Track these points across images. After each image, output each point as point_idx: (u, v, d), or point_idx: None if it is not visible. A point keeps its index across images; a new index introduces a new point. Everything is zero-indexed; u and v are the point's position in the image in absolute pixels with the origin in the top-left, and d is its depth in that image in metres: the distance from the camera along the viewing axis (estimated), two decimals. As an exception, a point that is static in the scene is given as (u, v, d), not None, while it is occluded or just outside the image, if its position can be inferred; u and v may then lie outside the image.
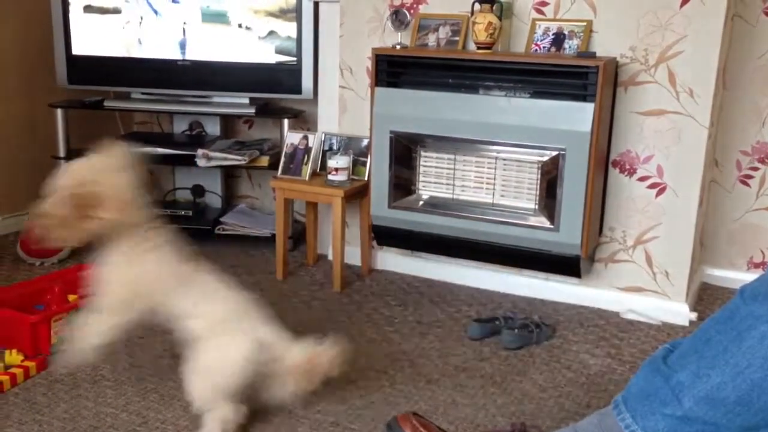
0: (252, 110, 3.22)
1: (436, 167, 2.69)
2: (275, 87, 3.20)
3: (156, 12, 3.18)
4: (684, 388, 1.31)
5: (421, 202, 2.72)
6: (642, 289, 2.65)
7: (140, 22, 3.20)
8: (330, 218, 2.94)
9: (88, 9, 3.20)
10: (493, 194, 2.62)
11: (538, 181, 2.53)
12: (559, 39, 2.56)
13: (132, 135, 3.64)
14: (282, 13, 3.11)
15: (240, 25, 3.14)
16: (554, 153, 2.45)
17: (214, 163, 3.17)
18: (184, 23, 3.17)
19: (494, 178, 2.61)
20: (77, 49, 3.25)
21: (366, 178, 2.85)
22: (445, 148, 2.64)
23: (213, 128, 3.55)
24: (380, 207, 2.75)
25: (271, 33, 3.14)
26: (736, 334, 1.27)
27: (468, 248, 2.69)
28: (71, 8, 3.20)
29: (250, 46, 3.16)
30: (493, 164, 2.60)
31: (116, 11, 3.19)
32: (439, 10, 2.75)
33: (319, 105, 3.10)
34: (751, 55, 2.75)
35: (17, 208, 3.40)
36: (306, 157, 2.88)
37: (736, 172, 2.87)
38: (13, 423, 1.87)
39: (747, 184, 2.87)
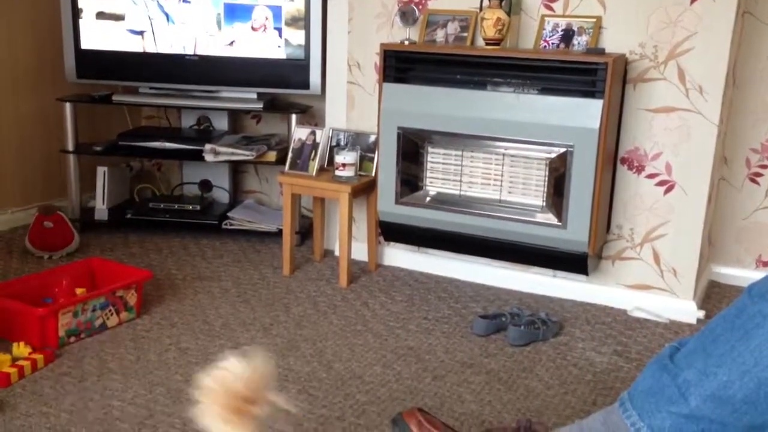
0: (260, 105, 3.23)
1: (443, 163, 2.69)
2: (283, 82, 3.20)
3: (167, 15, 3.18)
4: (690, 386, 1.30)
5: (428, 199, 2.72)
6: (649, 286, 2.64)
7: (150, 25, 3.20)
8: (337, 214, 2.94)
9: (100, 15, 3.21)
10: (501, 191, 2.62)
11: (546, 178, 2.52)
12: (568, 35, 2.55)
13: (139, 129, 3.66)
14: (290, 10, 3.11)
15: (252, 26, 3.14)
16: (562, 150, 2.44)
17: (221, 158, 3.18)
18: (195, 23, 3.18)
19: (502, 175, 2.60)
20: (86, 44, 3.26)
21: (373, 174, 2.84)
22: (453, 144, 2.64)
23: (221, 123, 3.55)
24: (387, 203, 2.75)
25: (279, 29, 3.14)
26: (744, 332, 1.27)
27: (475, 245, 2.68)
28: (81, 7, 3.21)
29: (258, 41, 3.16)
30: (500, 161, 2.59)
31: (124, 18, 3.20)
32: (447, 6, 2.74)
33: (327, 100, 3.10)
34: (762, 52, 2.73)
35: (26, 202, 3.41)
36: (313, 152, 2.88)
37: (746, 169, 2.86)
38: (21, 415, 1.88)
39: (756, 182, 2.85)
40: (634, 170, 2.58)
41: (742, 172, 2.86)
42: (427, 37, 2.75)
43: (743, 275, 2.89)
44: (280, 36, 3.14)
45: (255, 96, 3.26)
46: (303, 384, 2.07)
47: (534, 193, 2.56)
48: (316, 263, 3.05)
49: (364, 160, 2.87)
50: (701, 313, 2.58)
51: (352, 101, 3.00)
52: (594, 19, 2.52)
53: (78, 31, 3.24)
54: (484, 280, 2.87)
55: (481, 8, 2.59)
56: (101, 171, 3.35)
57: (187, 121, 3.60)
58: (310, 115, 3.41)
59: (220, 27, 3.18)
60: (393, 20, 2.84)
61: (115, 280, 2.45)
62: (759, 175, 2.84)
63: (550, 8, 2.60)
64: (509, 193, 2.61)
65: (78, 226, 3.19)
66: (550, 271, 2.76)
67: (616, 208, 2.63)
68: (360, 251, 3.03)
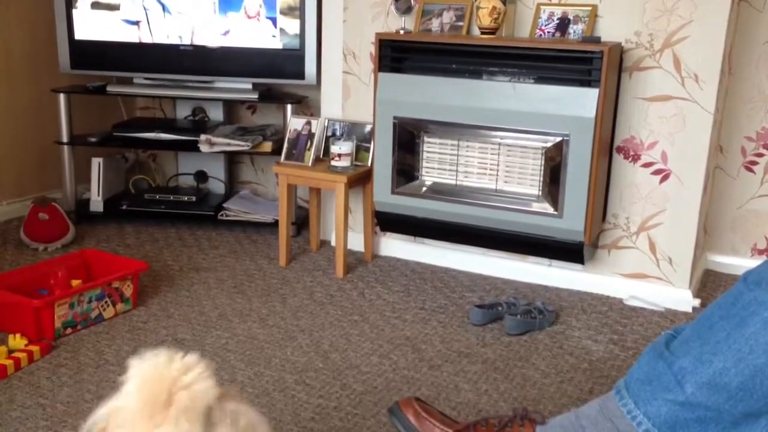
0: (255, 95, 3.22)
1: (439, 153, 2.69)
2: (278, 72, 3.19)
3: (163, 5, 3.16)
4: (686, 374, 1.31)
5: (424, 188, 2.72)
6: (645, 275, 2.64)
7: (146, 15, 3.18)
8: (333, 204, 2.94)
9: (95, 5, 3.20)
10: (497, 180, 2.62)
11: (542, 167, 2.52)
12: (563, 24, 2.54)
13: (134, 120, 3.65)
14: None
15: (246, 12, 3.13)
16: (558, 139, 2.44)
17: (217, 148, 3.17)
18: (189, 13, 3.16)
19: (498, 164, 2.60)
20: (80, 34, 3.24)
21: (369, 164, 2.84)
22: (449, 133, 2.63)
23: (216, 114, 3.54)
24: (383, 193, 2.75)
25: (274, 18, 3.12)
26: (739, 319, 1.27)
27: (471, 234, 2.68)
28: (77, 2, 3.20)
29: (253, 31, 3.14)
30: (496, 150, 2.59)
31: (119, 8, 3.19)
32: (443, -5, 2.74)
33: (323, 90, 3.09)
34: (757, 40, 2.73)
35: (21, 193, 3.40)
36: (309, 142, 2.87)
37: (741, 158, 2.86)
38: (17, 407, 1.88)
39: (752, 171, 2.85)
40: (630, 159, 2.58)
41: (737, 161, 2.86)
42: (422, 27, 2.74)
43: (739, 264, 2.90)
44: (275, 25, 3.13)
45: (250, 86, 3.25)
46: (300, 374, 2.07)
47: (530, 183, 2.56)
48: (313, 254, 3.05)
49: (360, 150, 2.86)
50: (697, 302, 2.59)
51: (347, 91, 2.99)
52: (589, 8, 2.51)
53: (72, 22, 3.23)
54: (480, 269, 2.87)
55: (476, -3, 2.58)
56: (96, 162, 3.34)
57: (182, 112, 3.59)
58: (306, 105, 3.40)
59: (215, 17, 3.16)
60: (388, 9, 2.83)
61: (111, 271, 2.44)
62: (754, 163, 2.84)
63: (546, -3, 2.59)
64: (505, 182, 2.61)
65: (73, 218, 3.18)
66: (546, 261, 2.76)
67: (612, 197, 2.63)
68: (356, 241, 3.03)
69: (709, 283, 2.83)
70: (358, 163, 2.85)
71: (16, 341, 2.12)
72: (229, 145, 3.16)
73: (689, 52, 2.42)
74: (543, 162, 2.51)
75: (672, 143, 2.51)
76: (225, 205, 3.35)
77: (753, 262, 2.84)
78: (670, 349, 1.37)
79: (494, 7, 2.49)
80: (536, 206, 2.53)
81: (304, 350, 2.22)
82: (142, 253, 2.99)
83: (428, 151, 2.70)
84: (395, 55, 2.65)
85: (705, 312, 1.37)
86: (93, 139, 3.27)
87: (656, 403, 1.34)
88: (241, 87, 3.26)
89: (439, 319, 2.46)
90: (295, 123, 2.94)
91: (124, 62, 3.28)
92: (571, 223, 2.47)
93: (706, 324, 1.33)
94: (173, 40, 3.21)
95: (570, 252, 2.55)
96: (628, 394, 1.40)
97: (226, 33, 3.17)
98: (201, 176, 3.56)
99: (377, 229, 2.97)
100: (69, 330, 2.26)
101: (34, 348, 2.11)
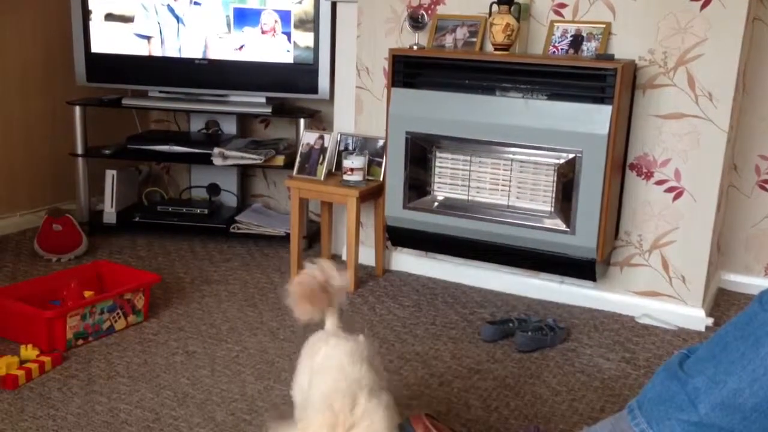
0: (268, 109, 3.23)
1: (451, 168, 2.69)
2: (292, 87, 3.21)
3: (178, 18, 3.19)
4: (700, 394, 1.30)
5: (436, 204, 2.72)
6: (658, 293, 2.63)
7: (160, 29, 3.21)
8: (344, 218, 2.94)
9: (109, 17, 3.23)
10: (509, 196, 2.62)
11: (554, 184, 2.51)
12: (577, 41, 2.55)
13: (148, 133, 3.67)
14: (299, 14, 3.12)
15: (261, 27, 3.15)
16: (571, 155, 2.44)
17: (230, 162, 3.18)
18: (204, 27, 3.19)
19: (510, 180, 2.60)
20: (96, 47, 3.27)
21: (381, 179, 2.85)
22: (461, 149, 2.64)
23: (229, 127, 3.56)
24: (395, 208, 2.75)
25: (288, 33, 3.14)
26: (754, 340, 1.26)
27: (483, 250, 2.68)
28: (91, 11, 3.23)
29: (268, 45, 3.17)
30: (508, 166, 2.59)
31: (134, 20, 3.21)
32: (456, 11, 2.75)
33: (336, 105, 3.10)
34: (772, 59, 2.72)
35: (35, 204, 3.42)
36: (321, 156, 2.88)
37: (755, 176, 2.84)
38: (28, 417, 1.88)
39: (765, 189, 2.84)
40: (643, 176, 2.58)
41: (751, 179, 2.85)
42: (435, 42, 2.75)
43: (752, 283, 2.88)
44: (289, 40, 3.15)
45: (264, 100, 3.27)
46: (310, 388, 2.06)
47: (542, 199, 2.56)
48: (324, 268, 3.04)
49: (372, 165, 2.87)
50: (710, 321, 2.57)
51: (360, 106, 3.00)
52: (603, 25, 2.52)
53: (89, 35, 3.26)
54: (491, 285, 2.86)
55: (490, 14, 2.59)
56: (110, 174, 3.36)
57: (196, 125, 3.61)
58: (319, 120, 3.41)
59: (229, 31, 3.19)
60: (402, 25, 2.84)
61: (123, 283, 2.45)
62: (768, 182, 2.83)
63: (560, 14, 2.60)
64: (517, 198, 2.61)
65: (86, 229, 3.20)
66: (557, 277, 2.75)
67: (625, 214, 2.63)
68: (367, 256, 3.02)
69: (722, 302, 2.81)
70: (370, 178, 2.85)
71: (28, 352, 2.13)
72: (242, 158, 3.17)
73: (703, 70, 2.42)
74: (555, 178, 2.51)
75: (685, 161, 2.50)
76: (237, 218, 3.36)
77: (766, 281, 2.83)
78: (684, 368, 1.36)
79: (508, 24, 2.50)
80: (548, 223, 2.53)
81: (314, 364, 2.21)
82: (154, 265, 3.00)
83: (440, 167, 2.70)
84: (408, 71, 2.65)
85: (719, 332, 1.36)
86: (107, 152, 3.30)
87: (669, 423, 1.33)
88: (254, 101, 3.28)
89: (449, 335, 2.45)
90: (307, 137, 2.95)
91: (139, 76, 3.31)
92: (583, 240, 2.46)
93: (721, 344, 1.32)
94: (188, 54, 3.24)
95: (582, 269, 2.54)
96: (641, 413, 1.39)
97: (240, 47, 3.19)
98: (213, 189, 3.58)
99: (388, 243, 2.97)
100: (80, 341, 2.27)
101: (46, 359, 2.12)
